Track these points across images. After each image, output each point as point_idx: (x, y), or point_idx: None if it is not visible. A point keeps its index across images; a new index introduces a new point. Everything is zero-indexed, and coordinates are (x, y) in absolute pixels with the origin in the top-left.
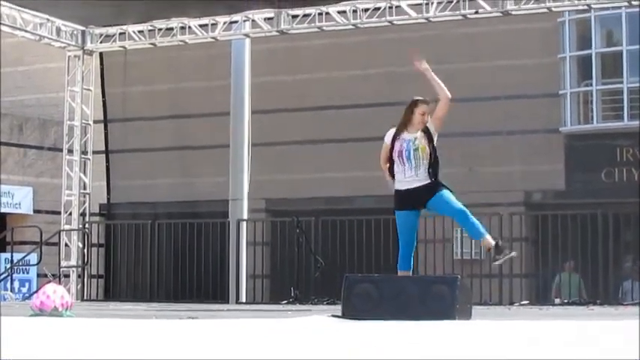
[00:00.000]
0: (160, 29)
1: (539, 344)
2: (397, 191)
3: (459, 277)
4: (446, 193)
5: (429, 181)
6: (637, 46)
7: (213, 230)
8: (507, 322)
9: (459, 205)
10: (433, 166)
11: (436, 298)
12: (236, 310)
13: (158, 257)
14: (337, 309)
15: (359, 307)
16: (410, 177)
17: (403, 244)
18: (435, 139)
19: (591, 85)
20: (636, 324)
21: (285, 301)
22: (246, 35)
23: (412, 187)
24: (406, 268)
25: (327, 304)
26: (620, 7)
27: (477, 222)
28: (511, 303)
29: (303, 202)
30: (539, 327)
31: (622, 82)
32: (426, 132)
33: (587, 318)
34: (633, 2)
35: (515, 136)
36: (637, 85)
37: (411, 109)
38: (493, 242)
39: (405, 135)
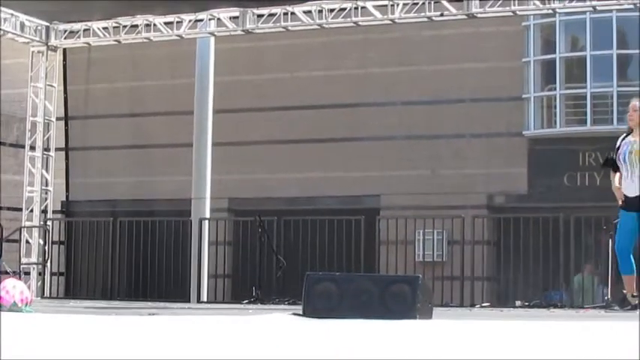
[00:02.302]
0: (125, 26)
1: (499, 344)
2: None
3: (420, 276)
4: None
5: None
6: (601, 52)
7: (175, 229)
8: (468, 321)
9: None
10: None
11: (397, 297)
12: (197, 308)
13: (119, 255)
14: (299, 309)
15: (320, 306)
16: (626, 181)
17: (619, 247)
18: None
19: (555, 89)
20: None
21: (247, 301)
22: (212, 34)
23: (629, 194)
24: (626, 272)
25: (289, 304)
26: (584, 13)
27: None
28: (472, 305)
29: (266, 201)
30: (499, 327)
31: (585, 87)
32: None
33: (548, 319)
34: (598, 8)
35: (478, 139)
36: (600, 90)
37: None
38: None
39: (629, 138)
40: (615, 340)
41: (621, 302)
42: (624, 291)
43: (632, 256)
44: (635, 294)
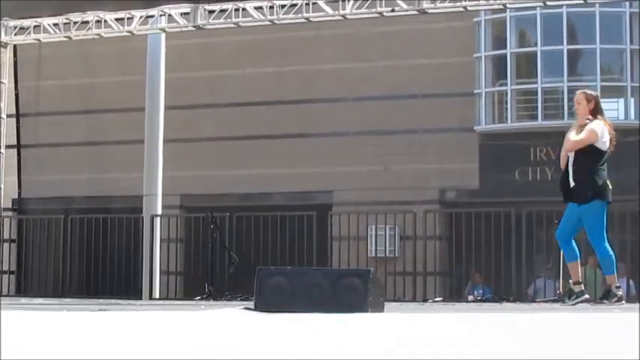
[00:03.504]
0: (76, 22)
1: (452, 336)
2: None
3: (372, 269)
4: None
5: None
6: (551, 47)
7: (127, 226)
8: (419, 314)
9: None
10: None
11: (349, 291)
12: (148, 304)
13: (71, 253)
14: (251, 304)
15: (271, 300)
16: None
17: (558, 234)
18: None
19: (506, 84)
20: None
21: (199, 297)
22: (162, 30)
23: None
24: (570, 259)
25: (242, 299)
26: (534, 8)
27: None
28: (425, 300)
29: (218, 198)
30: (451, 320)
31: (536, 83)
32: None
33: (499, 311)
34: (548, 3)
35: (430, 134)
36: (551, 85)
37: None
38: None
39: None
40: (567, 330)
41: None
42: (570, 281)
43: (574, 243)
44: (580, 280)
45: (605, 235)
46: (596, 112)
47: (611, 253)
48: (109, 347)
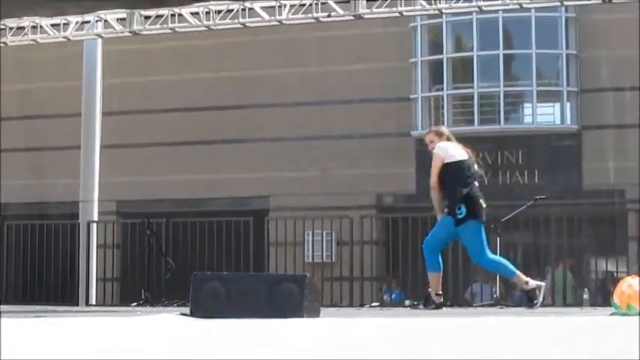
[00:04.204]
0: (12, 28)
1: (388, 340)
2: None
3: (308, 275)
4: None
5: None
6: (487, 52)
7: (63, 232)
8: (354, 319)
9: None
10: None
11: (285, 296)
12: (84, 311)
13: (7, 259)
14: (187, 310)
15: (207, 306)
16: None
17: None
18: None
19: (442, 89)
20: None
21: (136, 303)
22: (99, 35)
23: None
24: (433, 270)
25: (178, 305)
26: (471, 13)
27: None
28: (362, 305)
29: (154, 203)
30: (387, 324)
31: (472, 87)
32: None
33: (435, 316)
34: (484, 8)
35: (367, 139)
36: (487, 90)
37: None
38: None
39: None
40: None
41: (425, 301)
42: (429, 289)
43: (440, 255)
44: (439, 292)
45: (485, 249)
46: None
47: (498, 258)
48: (45, 354)
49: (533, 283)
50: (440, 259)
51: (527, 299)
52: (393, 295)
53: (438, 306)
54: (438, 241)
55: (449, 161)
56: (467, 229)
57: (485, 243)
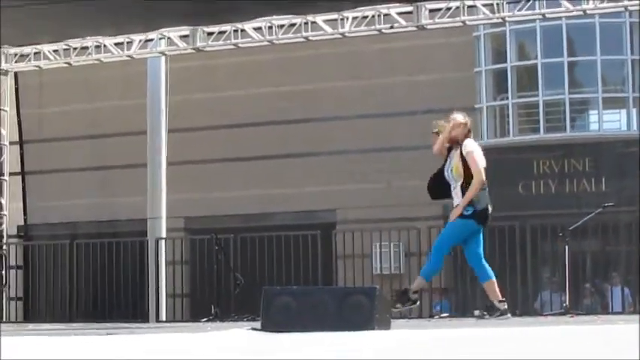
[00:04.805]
0: (75, 48)
1: (459, 351)
2: None
3: (378, 287)
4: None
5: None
6: (552, 59)
7: (132, 249)
8: (426, 331)
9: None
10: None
11: (355, 309)
12: (155, 327)
13: (77, 278)
14: (258, 324)
15: (278, 320)
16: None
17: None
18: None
19: (507, 98)
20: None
21: (205, 319)
22: (162, 53)
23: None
24: (485, 279)
25: (248, 320)
26: (534, 21)
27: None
28: (431, 316)
29: (222, 219)
30: (457, 334)
31: (537, 95)
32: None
33: (505, 325)
34: (547, 15)
35: (432, 150)
36: (552, 97)
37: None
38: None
39: (452, 152)
40: (577, 342)
41: (489, 310)
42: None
43: (484, 261)
44: (501, 299)
45: (449, 247)
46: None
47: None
48: None
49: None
50: (486, 266)
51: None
52: (438, 308)
53: (503, 313)
54: (474, 250)
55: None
56: (463, 224)
57: (454, 244)
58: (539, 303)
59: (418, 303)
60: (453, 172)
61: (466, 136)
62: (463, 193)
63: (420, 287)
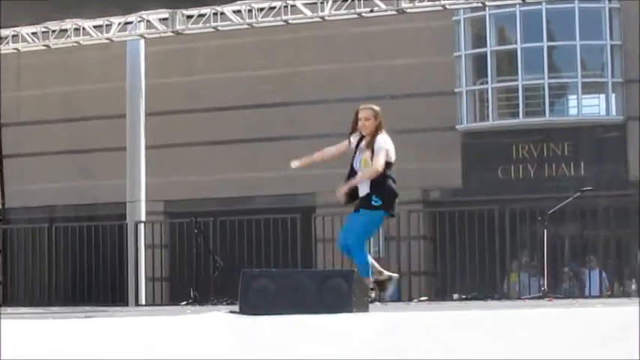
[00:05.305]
0: (54, 31)
1: (437, 332)
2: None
3: (356, 270)
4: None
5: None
6: (531, 44)
7: (111, 233)
8: (403, 313)
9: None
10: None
11: (333, 292)
12: (134, 310)
13: (56, 261)
14: (236, 308)
15: (256, 303)
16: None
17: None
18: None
19: (487, 82)
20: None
21: (185, 302)
22: (141, 36)
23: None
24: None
25: (227, 303)
26: (514, 6)
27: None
28: (410, 299)
29: (202, 203)
30: (437, 317)
31: (517, 80)
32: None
33: (484, 308)
34: (527, 0)
35: (412, 134)
36: (532, 82)
37: (356, 114)
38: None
39: (362, 144)
40: (555, 325)
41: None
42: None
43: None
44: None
45: (365, 239)
46: (380, 127)
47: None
48: (96, 354)
49: (386, 273)
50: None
51: (379, 289)
52: None
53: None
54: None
55: (390, 161)
56: (371, 215)
57: (370, 236)
58: (519, 286)
59: (374, 296)
60: (362, 164)
61: (377, 128)
62: (371, 185)
63: (371, 284)
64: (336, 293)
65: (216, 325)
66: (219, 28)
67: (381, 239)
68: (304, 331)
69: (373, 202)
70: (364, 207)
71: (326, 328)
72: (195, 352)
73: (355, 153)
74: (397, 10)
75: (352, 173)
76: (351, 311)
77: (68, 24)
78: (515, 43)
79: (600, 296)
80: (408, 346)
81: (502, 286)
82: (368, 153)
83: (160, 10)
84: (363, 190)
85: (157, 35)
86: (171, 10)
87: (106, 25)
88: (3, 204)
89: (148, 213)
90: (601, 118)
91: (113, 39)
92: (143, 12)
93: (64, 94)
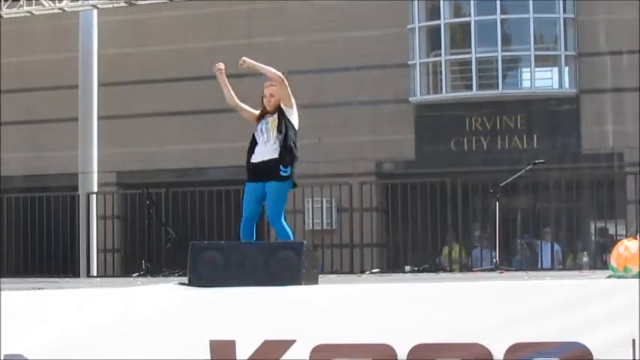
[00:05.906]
0: (6, 0)
1: (381, 304)
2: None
3: (305, 242)
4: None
5: (276, 156)
6: (485, 17)
7: (62, 204)
8: (354, 285)
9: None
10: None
11: (282, 264)
12: (85, 282)
13: (7, 232)
14: (186, 279)
15: (205, 275)
16: (260, 150)
17: (248, 216)
18: (293, 118)
19: (440, 55)
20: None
21: (137, 274)
22: (94, 6)
23: (259, 159)
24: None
25: (179, 275)
26: None
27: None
28: (362, 271)
29: (155, 174)
30: (383, 289)
31: (470, 53)
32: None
33: (436, 280)
34: None
35: (365, 106)
36: (485, 55)
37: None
38: None
39: (267, 117)
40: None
41: None
42: None
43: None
44: None
45: (283, 212)
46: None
47: (288, 227)
48: (44, 325)
49: None
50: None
51: None
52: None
53: None
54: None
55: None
56: (281, 187)
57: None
58: (471, 259)
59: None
60: (270, 124)
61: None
62: (280, 148)
63: None
64: (285, 265)
65: (163, 296)
66: None
67: (333, 210)
68: (251, 303)
69: (282, 172)
70: (272, 178)
71: (273, 300)
72: (138, 324)
73: (259, 123)
74: None
75: (254, 142)
76: (300, 284)
77: None
78: (469, 15)
79: (552, 269)
80: (356, 317)
81: (449, 258)
82: (275, 115)
83: None
84: (267, 154)
85: (110, 5)
86: None
87: None
88: None
89: (100, 184)
90: (554, 91)
91: (66, 9)
92: None
93: (16, 64)
